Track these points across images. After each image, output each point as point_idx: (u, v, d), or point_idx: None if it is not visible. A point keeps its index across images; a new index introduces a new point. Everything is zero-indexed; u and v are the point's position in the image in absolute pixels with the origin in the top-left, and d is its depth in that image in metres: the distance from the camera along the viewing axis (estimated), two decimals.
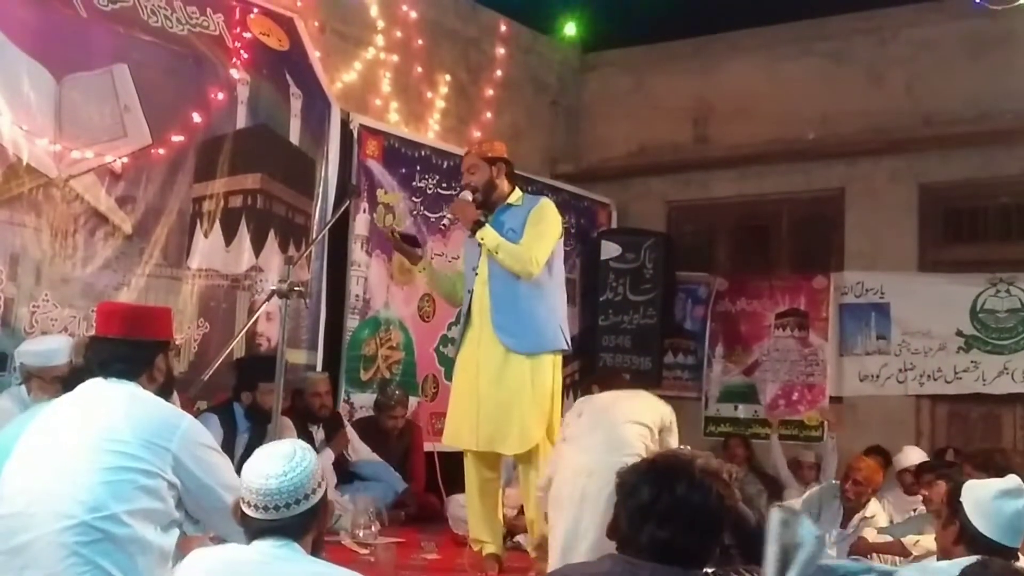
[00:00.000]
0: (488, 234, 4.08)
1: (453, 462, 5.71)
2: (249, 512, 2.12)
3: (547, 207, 4.22)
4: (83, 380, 2.66)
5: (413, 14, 6.81)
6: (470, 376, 4.19)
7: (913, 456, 6.20)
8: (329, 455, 5.06)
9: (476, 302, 4.20)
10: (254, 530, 2.13)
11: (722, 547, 2.09)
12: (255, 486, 2.11)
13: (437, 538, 4.69)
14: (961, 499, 2.59)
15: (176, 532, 2.49)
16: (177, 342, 4.88)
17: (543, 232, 4.14)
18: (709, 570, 1.97)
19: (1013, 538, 2.55)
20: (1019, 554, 2.62)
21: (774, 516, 1.29)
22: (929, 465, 5.68)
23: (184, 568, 2.20)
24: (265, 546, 2.09)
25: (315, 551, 2.19)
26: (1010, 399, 6.85)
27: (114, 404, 2.48)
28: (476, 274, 4.21)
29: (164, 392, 2.65)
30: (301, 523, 2.11)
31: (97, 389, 2.55)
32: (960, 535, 2.55)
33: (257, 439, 4.79)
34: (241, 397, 4.79)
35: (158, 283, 4.96)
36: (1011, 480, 2.62)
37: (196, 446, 2.49)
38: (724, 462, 2.13)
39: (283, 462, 2.13)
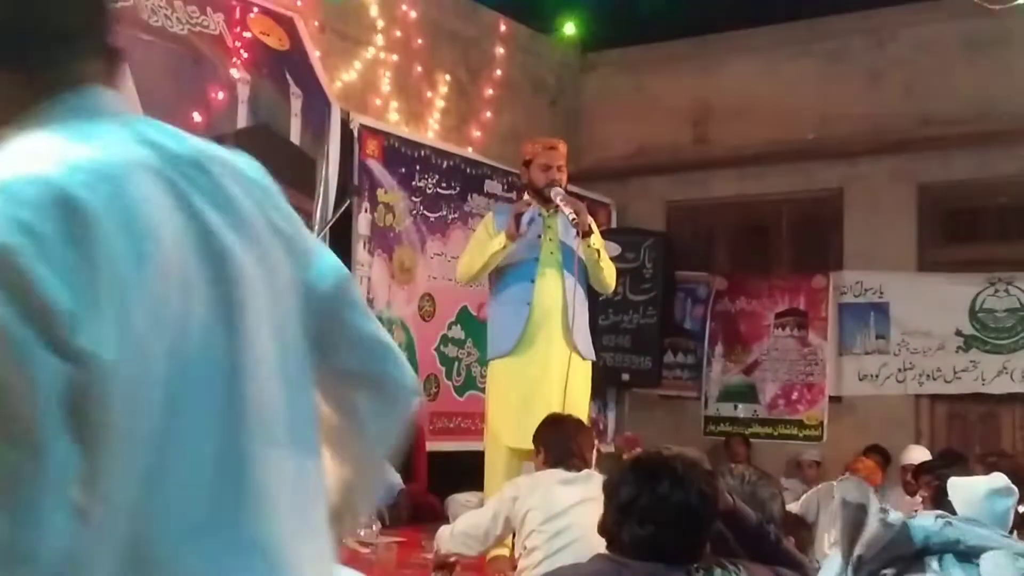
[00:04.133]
0: (599, 240, 4.10)
1: (451, 462, 5.73)
2: None
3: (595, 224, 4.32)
4: None
5: (413, 14, 6.81)
6: (534, 377, 4.17)
7: (917, 455, 6.21)
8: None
9: (547, 305, 4.18)
10: None
11: (725, 544, 2.10)
12: None
13: None
14: (948, 498, 2.62)
15: None
16: None
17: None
18: (693, 565, 1.98)
19: None
20: None
21: (836, 498, 1.32)
22: (928, 466, 5.68)
23: None
24: None
25: None
26: (1009, 399, 6.86)
27: None
28: (534, 282, 4.17)
29: None
30: None
31: None
32: None
33: None
34: None
35: None
36: (999, 478, 2.66)
37: None
38: (735, 464, 2.14)
39: None
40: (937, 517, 1.30)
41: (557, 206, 4.13)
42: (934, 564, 1.21)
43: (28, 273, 0.79)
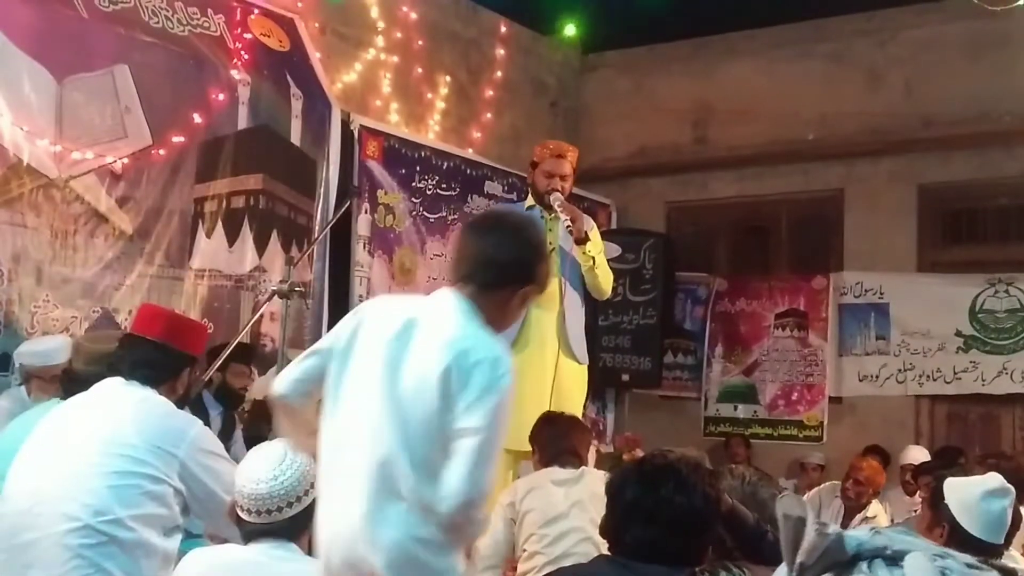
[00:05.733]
0: (599, 246, 4.11)
1: None
2: (243, 516, 2.13)
3: (597, 230, 4.30)
4: (79, 381, 2.66)
5: (413, 15, 6.81)
6: (526, 380, 4.14)
7: (917, 455, 6.22)
8: None
9: (542, 308, 4.15)
10: (248, 533, 2.14)
11: (723, 545, 2.10)
12: (246, 491, 2.12)
13: None
14: (945, 500, 2.62)
15: (180, 536, 2.51)
16: None
17: (604, 256, 4.25)
18: (698, 568, 1.98)
19: (999, 535, 2.61)
20: (1002, 550, 2.65)
21: (778, 514, 1.42)
22: (928, 466, 5.68)
23: (183, 567, 2.20)
24: (263, 547, 2.10)
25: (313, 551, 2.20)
26: (1009, 399, 6.86)
27: (125, 407, 2.49)
28: None
29: (180, 405, 2.67)
30: (293, 526, 2.12)
31: (110, 391, 2.55)
32: (949, 537, 2.56)
33: (229, 422, 4.77)
34: (211, 379, 4.66)
35: (160, 284, 4.97)
36: (994, 479, 2.67)
37: (204, 453, 2.50)
38: (736, 465, 2.15)
39: (272, 466, 2.13)
40: (871, 528, 1.43)
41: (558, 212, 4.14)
42: (864, 567, 1.34)
43: None
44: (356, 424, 2.01)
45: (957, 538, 2.54)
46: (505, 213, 2.48)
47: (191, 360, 2.73)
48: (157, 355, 2.60)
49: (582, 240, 4.04)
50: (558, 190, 4.15)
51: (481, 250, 2.13)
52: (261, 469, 2.14)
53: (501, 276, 2.11)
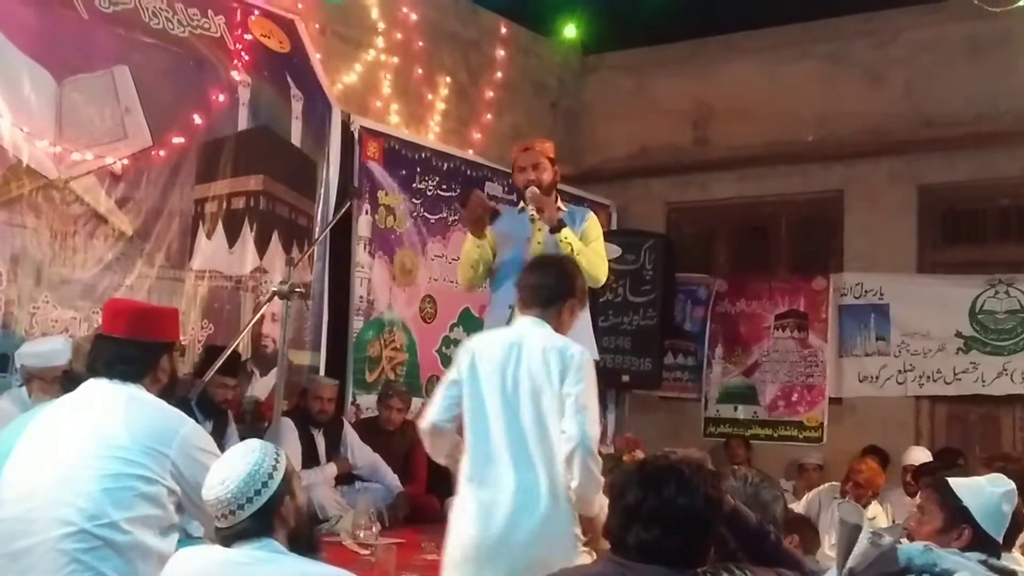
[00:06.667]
0: (572, 235, 4.01)
1: None
2: (215, 521, 2.14)
3: (597, 220, 4.23)
4: (80, 382, 2.64)
5: (413, 16, 6.81)
6: None
7: (919, 456, 6.22)
8: (332, 469, 5.16)
9: None
10: (223, 538, 2.12)
11: (725, 546, 2.10)
12: (208, 499, 2.12)
13: (438, 539, 4.66)
14: (966, 505, 2.55)
15: (176, 536, 2.50)
16: (183, 342, 4.88)
17: (601, 245, 4.16)
18: (700, 569, 1.98)
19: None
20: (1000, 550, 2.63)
21: (835, 519, 1.44)
22: (929, 467, 5.68)
23: (171, 568, 2.18)
24: (246, 549, 2.08)
25: (311, 551, 2.18)
26: (1009, 400, 6.86)
27: (114, 407, 2.47)
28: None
29: (167, 392, 2.64)
30: (258, 524, 2.09)
31: (98, 391, 2.53)
32: (973, 541, 2.50)
33: (220, 425, 4.70)
34: (194, 383, 4.56)
35: (160, 284, 4.97)
36: (1004, 479, 2.64)
37: (196, 451, 2.48)
38: (738, 466, 2.15)
39: (223, 469, 2.13)
40: (924, 546, 1.42)
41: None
42: None
43: None
44: (498, 421, 2.78)
45: (980, 542, 2.49)
46: (545, 255, 3.54)
47: (167, 346, 2.66)
48: (129, 350, 2.55)
49: (555, 228, 4.01)
50: (532, 181, 4.12)
51: (536, 283, 2.99)
52: (214, 475, 2.13)
53: (554, 297, 2.95)
